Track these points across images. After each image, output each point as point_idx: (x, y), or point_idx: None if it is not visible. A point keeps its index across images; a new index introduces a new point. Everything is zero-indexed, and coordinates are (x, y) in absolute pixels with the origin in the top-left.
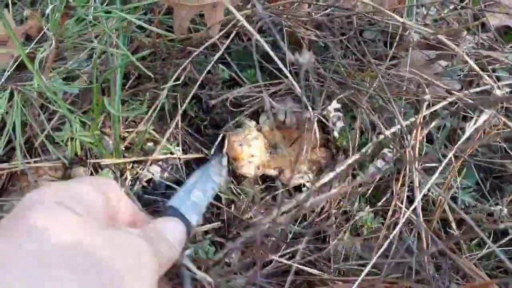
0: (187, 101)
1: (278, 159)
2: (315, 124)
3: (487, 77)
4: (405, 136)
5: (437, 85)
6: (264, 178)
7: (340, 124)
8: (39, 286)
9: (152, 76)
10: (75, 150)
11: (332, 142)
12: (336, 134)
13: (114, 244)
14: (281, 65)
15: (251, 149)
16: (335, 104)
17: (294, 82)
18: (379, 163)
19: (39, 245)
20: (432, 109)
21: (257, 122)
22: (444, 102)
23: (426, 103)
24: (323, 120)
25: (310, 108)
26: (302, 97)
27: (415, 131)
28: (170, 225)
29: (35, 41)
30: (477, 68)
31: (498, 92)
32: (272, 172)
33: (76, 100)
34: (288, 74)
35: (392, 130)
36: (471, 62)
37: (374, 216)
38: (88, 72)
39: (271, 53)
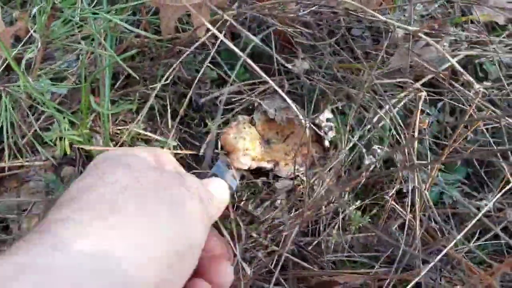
0: (184, 104)
1: (272, 153)
2: (307, 129)
3: (467, 75)
4: (400, 133)
5: (428, 68)
6: (258, 173)
7: (331, 134)
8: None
9: (136, 76)
10: (64, 149)
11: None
12: (327, 143)
13: (173, 177)
14: (263, 75)
15: (246, 143)
16: (327, 114)
17: (278, 89)
18: (369, 159)
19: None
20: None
21: (250, 117)
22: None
23: (423, 98)
24: (315, 128)
25: (301, 116)
26: (292, 106)
27: (412, 125)
28: (216, 183)
29: (22, 42)
30: (457, 66)
31: (476, 87)
32: (267, 164)
33: (65, 101)
34: (271, 81)
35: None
36: (451, 59)
37: (363, 213)
38: (76, 72)
39: (256, 68)
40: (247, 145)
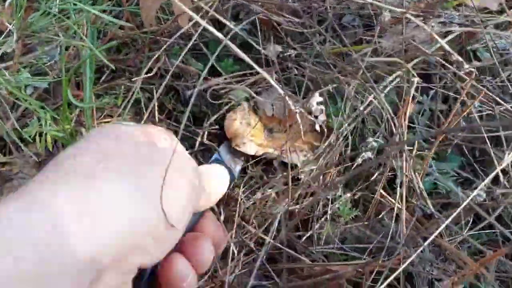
0: (159, 91)
1: (275, 141)
2: (300, 116)
3: (456, 55)
4: (390, 120)
5: (420, 50)
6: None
7: (322, 118)
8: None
9: (113, 67)
10: (44, 145)
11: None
12: (317, 127)
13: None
14: (251, 63)
15: (251, 128)
16: (317, 98)
17: (268, 77)
18: (363, 150)
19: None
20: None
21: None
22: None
23: (415, 85)
24: (305, 113)
25: (291, 103)
26: (280, 91)
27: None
28: (216, 169)
29: (3, 35)
30: (446, 47)
31: (466, 66)
32: (272, 151)
33: (48, 96)
34: (260, 70)
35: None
36: (440, 40)
37: (354, 204)
38: (58, 66)
39: (243, 55)
40: (252, 131)
